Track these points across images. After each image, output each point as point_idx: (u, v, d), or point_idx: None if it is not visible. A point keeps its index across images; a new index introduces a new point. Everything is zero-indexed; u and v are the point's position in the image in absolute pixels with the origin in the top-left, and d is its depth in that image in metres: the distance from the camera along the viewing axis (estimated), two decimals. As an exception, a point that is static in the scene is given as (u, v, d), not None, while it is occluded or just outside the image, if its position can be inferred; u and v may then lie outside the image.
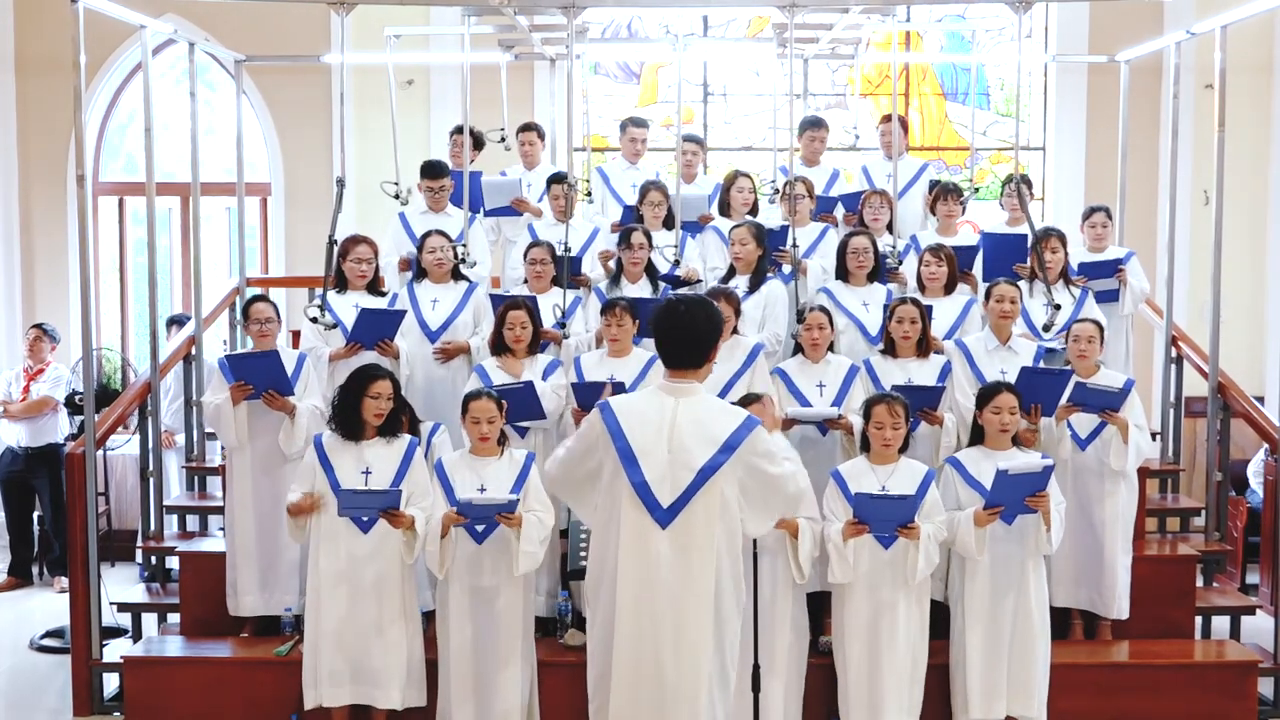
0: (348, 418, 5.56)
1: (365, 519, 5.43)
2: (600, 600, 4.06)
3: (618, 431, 4.00)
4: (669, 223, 7.23)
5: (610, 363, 6.13)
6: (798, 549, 5.34)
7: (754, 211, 7.48)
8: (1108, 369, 6.23)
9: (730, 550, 4.03)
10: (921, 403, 5.94)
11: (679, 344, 4.09)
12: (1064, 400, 5.97)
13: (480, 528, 5.38)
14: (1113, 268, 7.18)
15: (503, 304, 6.33)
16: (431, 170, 7.43)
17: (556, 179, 7.31)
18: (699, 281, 7.08)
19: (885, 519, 5.30)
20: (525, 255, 6.90)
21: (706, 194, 7.76)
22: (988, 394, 5.65)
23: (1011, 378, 5.95)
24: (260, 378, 6.05)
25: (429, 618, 6.07)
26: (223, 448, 6.46)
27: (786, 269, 6.99)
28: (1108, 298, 7.10)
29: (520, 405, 5.87)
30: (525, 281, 6.89)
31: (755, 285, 6.75)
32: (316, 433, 5.75)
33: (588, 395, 5.83)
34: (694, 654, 3.94)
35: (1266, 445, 7.47)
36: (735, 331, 6.21)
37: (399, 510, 5.36)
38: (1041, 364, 6.21)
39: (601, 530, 4.07)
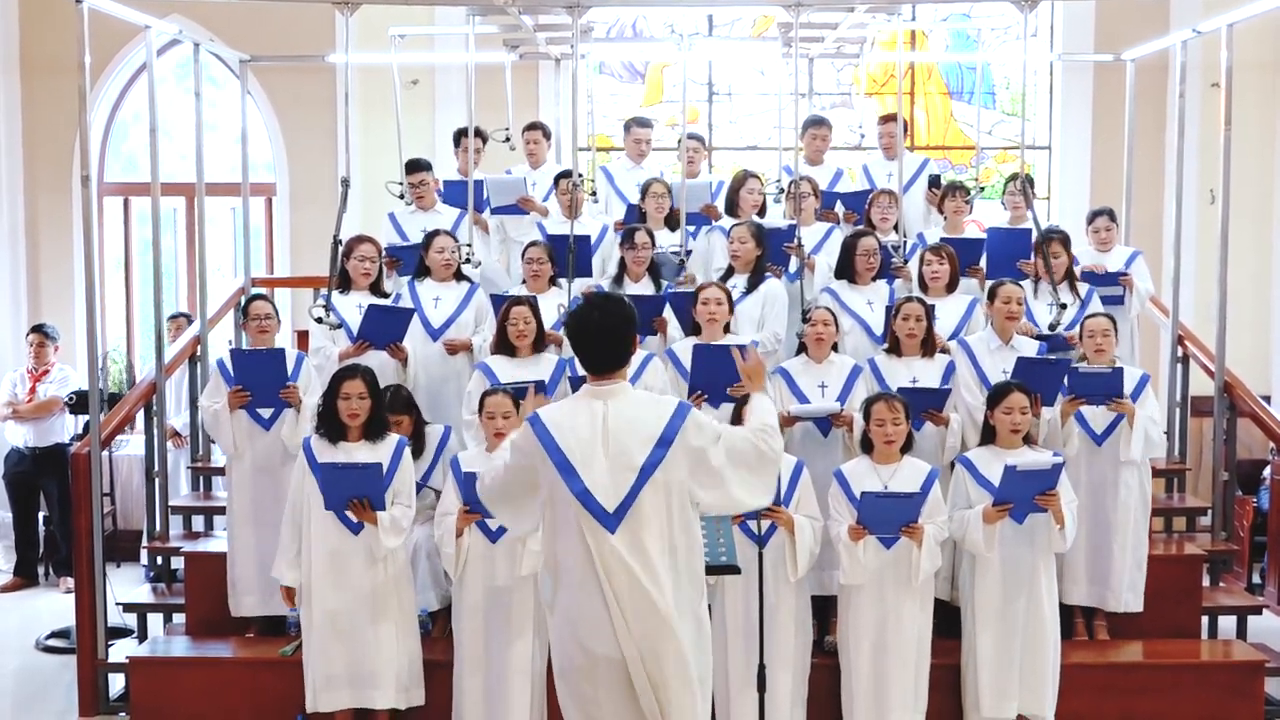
0: (329, 419, 5.57)
1: (356, 520, 5.43)
2: (557, 608, 4.02)
3: (551, 444, 3.94)
4: (672, 221, 7.22)
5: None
6: (795, 546, 5.34)
7: (762, 212, 7.47)
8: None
9: (685, 542, 3.97)
10: (926, 404, 5.93)
11: (598, 347, 4.02)
12: (1062, 394, 5.97)
13: (494, 526, 5.37)
14: (1115, 278, 7.17)
15: (505, 302, 6.34)
16: (408, 166, 7.45)
17: (565, 175, 7.31)
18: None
19: (890, 518, 5.30)
20: (523, 255, 6.89)
21: (708, 184, 7.77)
22: (999, 394, 5.65)
23: (1012, 373, 5.97)
24: (261, 376, 6.06)
25: (433, 617, 6.08)
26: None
27: (793, 266, 6.99)
28: (1113, 301, 7.09)
29: None
30: (524, 281, 6.89)
31: (754, 285, 6.73)
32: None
33: None
34: (667, 650, 3.89)
35: (1273, 445, 7.45)
36: (728, 330, 6.20)
37: (369, 509, 5.36)
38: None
39: (550, 539, 4.03)
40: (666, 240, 7.11)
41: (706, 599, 4.07)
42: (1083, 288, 6.93)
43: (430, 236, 6.86)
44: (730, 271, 6.85)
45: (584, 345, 4.04)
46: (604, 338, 4.01)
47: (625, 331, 4.04)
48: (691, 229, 7.34)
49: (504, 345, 6.23)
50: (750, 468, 4.04)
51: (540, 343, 6.27)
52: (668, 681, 3.87)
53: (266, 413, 6.19)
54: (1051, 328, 6.52)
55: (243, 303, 7.65)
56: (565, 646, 3.98)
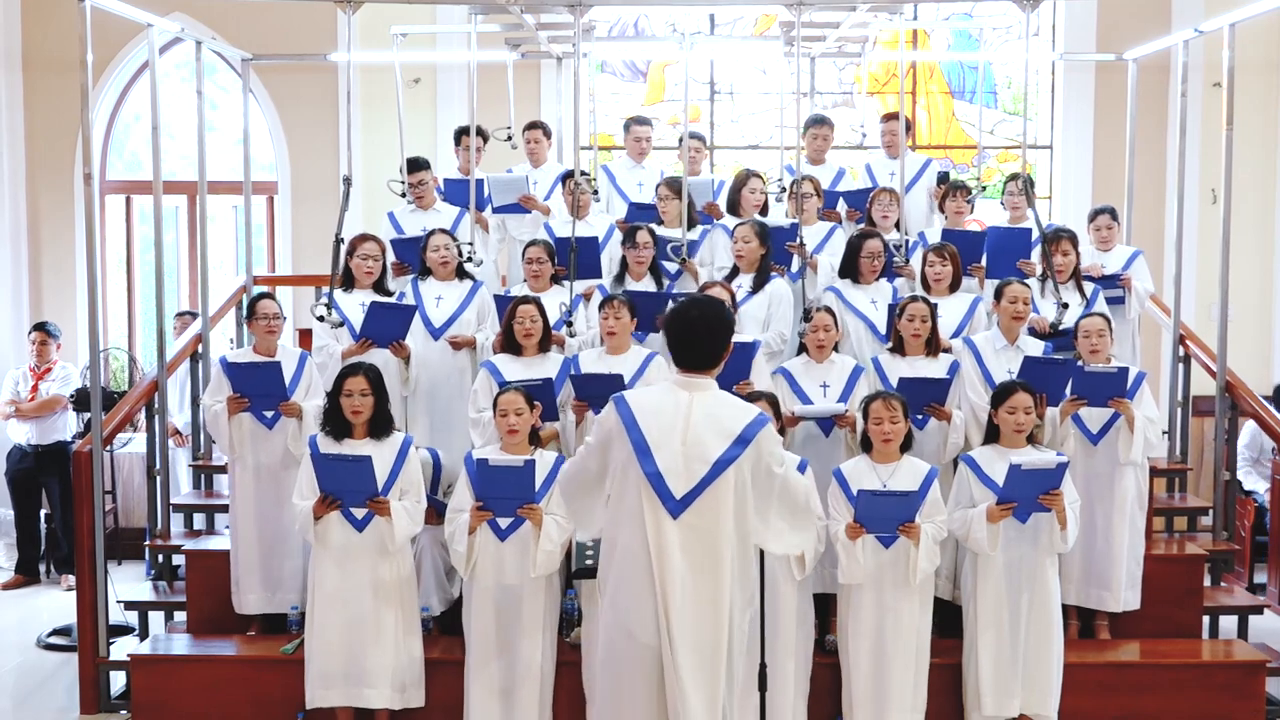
0: (334, 416, 5.57)
1: (360, 516, 5.43)
2: (609, 593, 4.07)
3: (632, 423, 4.03)
4: (691, 221, 7.22)
5: (608, 359, 6.11)
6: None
7: (764, 212, 7.46)
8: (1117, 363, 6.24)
9: (742, 542, 4.04)
10: (929, 396, 5.94)
11: (693, 347, 4.11)
12: (1067, 393, 5.97)
13: (504, 524, 5.38)
14: (1114, 280, 7.16)
15: (512, 300, 6.33)
16: (408, 164, 7.47)
17: (577, 173, 7.29)
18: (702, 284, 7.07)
19: (886, 517, 5.30)
20: (523, 254, 6.89)
21: (710, 181, 7.77)
22: (1003, 393, 5.65)
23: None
24: (259, 387, 6.07)
25: (438, 620, 6.07)
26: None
27: (795, 266, 6.98)
28: (1114, 302, 7.09)
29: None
30: (525, 281, 6.88)
31: (759, 284, 6.72)
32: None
33: (587, 386, 5.82)
34: (711, 642, 3.95)
35: (1253, 421, 7.41)
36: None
37: (383, 499, 5.37)
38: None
39: (613, 518, 4.09)
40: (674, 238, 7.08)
41: (749, 616, 4.14)
42: (1089, 287, 6.92)
43: (428, 236, 6.86)
44: (735, 271, 6.84)
45: (682, 341, 4.13)
46: (703, 335, 4.10)
47: (723, 331, 4.14)
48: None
49: (510, 344, 6.23)
50: (794, 510, 4.21)
51: (545, 342, 6.27)
52: (705, 670, 3.91)
53: (270, 413, 6.19)
54: (1053, 327, 6.52)
55: (246, 300, 7.67)
56: (611, 631, 4.04)
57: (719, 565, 3.97)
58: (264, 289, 7.24)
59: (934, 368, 6.16)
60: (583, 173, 7.03)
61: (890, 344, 6.31)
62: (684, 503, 3.97)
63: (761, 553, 4.87)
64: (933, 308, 6.24)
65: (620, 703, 4.02)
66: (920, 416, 5.88)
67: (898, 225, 7.27)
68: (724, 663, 3.97)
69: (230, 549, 6.32)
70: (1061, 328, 6.50)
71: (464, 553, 5.38)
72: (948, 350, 6.34)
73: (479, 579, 5.43)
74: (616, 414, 4.08)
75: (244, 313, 7.20)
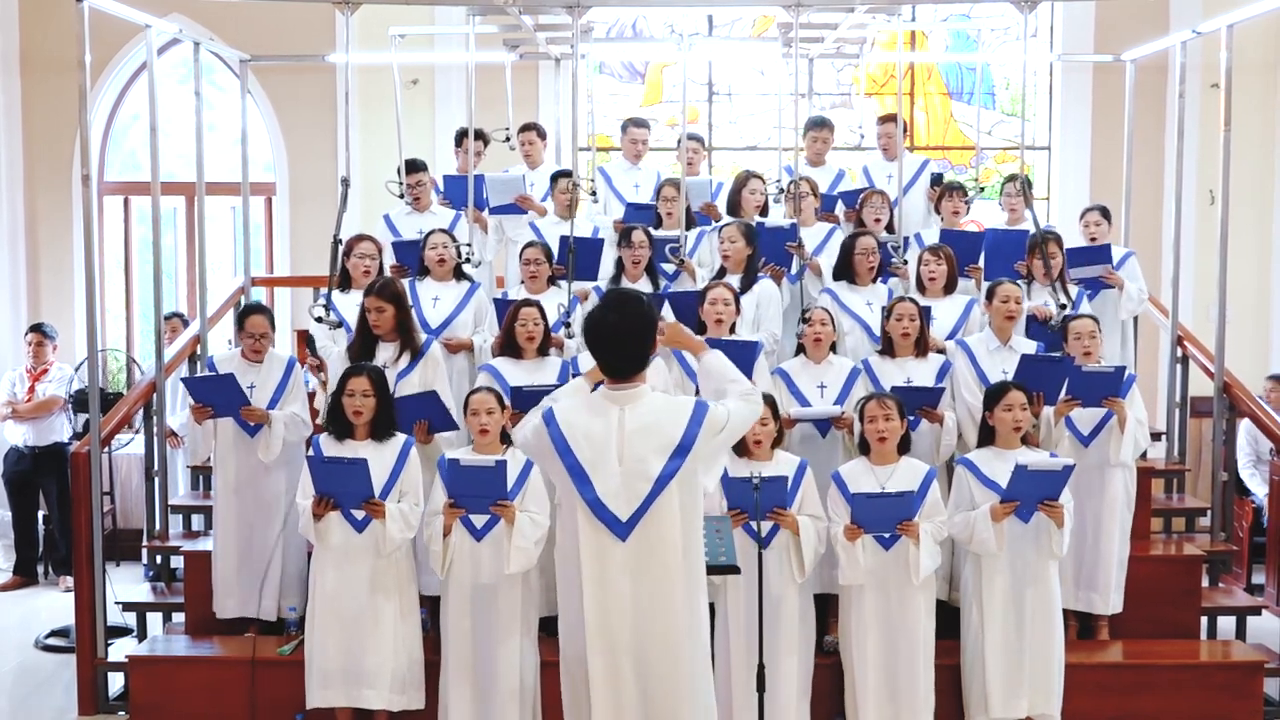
0: (336, 417, 5.57)
1: (359, 517, 5.43)
2: (568, 611, 4.00)
3: (565, 448, 3.88)
4: (687, 220, 7.23)
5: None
6: (800, 546, 5.34)
7: (764, 212, 7.46)
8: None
9: (693, 548, 3.96)
10: (921, 403, 5.94)
11: (617, 354, 3.93)
12: (1062, 394, 5.98)
13: (479, 524, 5.37)
14: (1100, 253, 7.12)
15: (515, 302, 6.33)
16: (406, 166, 7.50)
17: (565, 174, 7.29)
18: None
19: (884, 517, 5.30)
20: (520, 255, 6.88)
21: (708, 181, 7.77)
22: (996, 393, 5.64)
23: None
24: (217, 399, 6.06)
25: (432, 616, 6.07)
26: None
27: (794, 267, 6.97)
28: (1107, 288, 7.08)
29: None
30: (522, 282, 6.88)
31: (746, 285, 6.68)
32: (293, 439, 5.81)
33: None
34: (671, 660, 3.89)
35: (1272, 445, 7.45)
36: (732, 330, 6.19)
37: (378, 502, 5.36)
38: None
39: (562, 541, 4.01)
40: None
41: (707, 618, 4.07)
42: (1073, 289, 6.91)
43: (426, 235, 6.86)
44: (722, 272, 6.81)
45: (601, 349, 3.94)
46: (622, 341, 3.92)
47: (645, 334, 3.94)
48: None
49: (510, 346, 6.22)
50: (741, 430, 4.10)
51: (544, 345, 6.26)
52: (666, 696, 3.86)
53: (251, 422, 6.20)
54: (1052, 328, 6.51)
55: (244, 302, 7.68)
56: (571, 637, 3.98)
57: (669, 577, 3.87)
58: (258, 301, 7.22)
59: (924, 368, 6.15)
60: (567, 173, 7.02)
61: (880, 345, 6.30)
62: (630, 524, 3.84)
63: (760, 554, 4.89)
64: (923, 309, 6.23)
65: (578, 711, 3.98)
66: (912, 418, 5.87)
67: (889, 227, 7.27)
68: (686, 676, 3.89)
69: (212, 553, 6.33)
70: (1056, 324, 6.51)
71: (440, 553, 5.37)
72: (940, 351, 6.34)
73: (455, 578, 5.41)
74: (548, 437, 3.91)
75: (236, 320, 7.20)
